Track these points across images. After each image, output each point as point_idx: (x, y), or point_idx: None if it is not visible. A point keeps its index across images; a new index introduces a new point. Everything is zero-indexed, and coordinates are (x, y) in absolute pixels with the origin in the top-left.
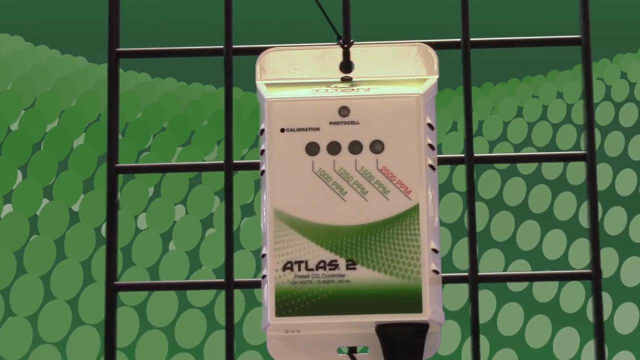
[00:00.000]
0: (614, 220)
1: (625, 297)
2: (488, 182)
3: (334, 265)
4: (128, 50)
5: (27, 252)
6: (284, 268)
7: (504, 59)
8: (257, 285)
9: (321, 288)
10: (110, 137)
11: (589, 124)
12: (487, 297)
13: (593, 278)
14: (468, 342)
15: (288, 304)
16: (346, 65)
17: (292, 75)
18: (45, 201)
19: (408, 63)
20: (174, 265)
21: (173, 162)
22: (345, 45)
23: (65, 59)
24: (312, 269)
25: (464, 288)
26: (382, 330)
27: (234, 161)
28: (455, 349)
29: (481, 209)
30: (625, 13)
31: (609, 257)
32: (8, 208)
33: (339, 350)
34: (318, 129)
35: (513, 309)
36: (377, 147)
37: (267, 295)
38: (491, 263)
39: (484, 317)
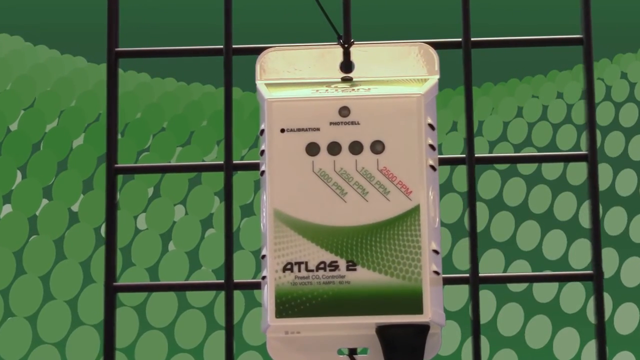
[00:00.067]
0: (614, 221)
1: (626, 297)
2: (488, 183)
3: (334, 266)
4: (127, 50)
5: (26, 252)
6: (284, 269)
7: (504, 59)
8: (257, 286)
9: (321, 289)
10: (109, 138)
11: (591, 124)
12: (487, 298)
13: (595, 279)
14: (468, 343)
15: (288, 305)
16: (346, 65)
17: (292, 75)
18: (44, 201)
19: (409, 63)
20: (173, 266)
21: (172, 163)
22: (346, 45)
23: (65, 59)
24: (312, 270)
25: (464, 288)
26: (383, 331)
27: (234, 161)
28: (455, 349)
29: (481, 209)
30: (625, 13)
31: (609, 258)
32: (7, 208)
33: (339, 352)
34: (318, 129)
35: (513, 310)
36: (377, 147)
37: (267, 296)
38: (491, 263)
39: (484, 318)
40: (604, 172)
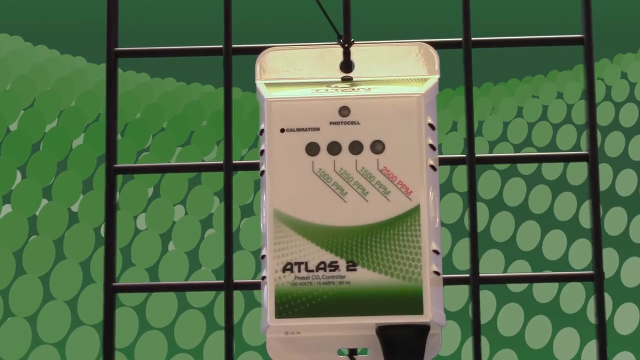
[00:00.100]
0: (614, 221)
1: (626, 297)
2: (488, 183)
3: (334, 266)
4: (127, 50)
5: (26, 252)
6: (284, 269)
7: (504, 59)
8: (257, 286)
9: (321, 289)
10: (108, 137)
11: (591, 124)
12: (487, 298)
13: (595, 279)
14: (468, 343)
15: (288, 306)
16: (346, 65)
17: (292, 75)
18: (44, 201)
19: (409, 63)
20: (173, 266)
21: (172, 163)
22: (346, 45)
23: (65, 59)
24: (312, 270)
25: (464, 288)
26: (383, 332)
27: (234, 161)
28: (455, 350)
29: (481, 210)
30: (625, 13)
31: (609, 258)
32: (7, 208)
33: (339, 352)
34: (318, 129)
35: (513, 310)
36: (377, 147)
37: (267, 296)
38: (491, 263)
39: (484, 318)
40: (604, 172)
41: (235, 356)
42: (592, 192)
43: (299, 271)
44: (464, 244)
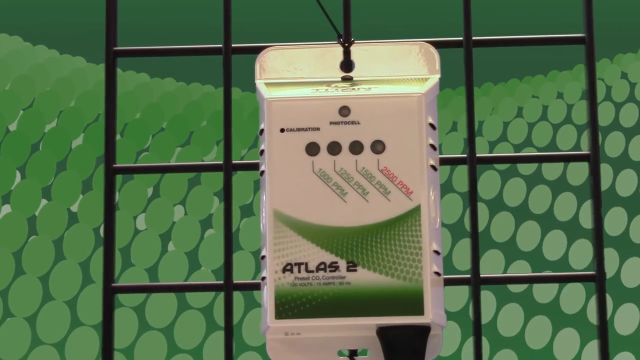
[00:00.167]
0: (614, 221)
1: (626, 298)
2: (488, 183)
3: (334, 267)
4: (126, 49)
5: (25, 252)
6: (284, 270)
7: (504, 59)
8: (257, 287)
9: (321, 290)
10: (107, 137)
11: (593, 123)
12: (487, 298)
13: (597, 280)
14: (468, 343)
15: (288, 306)
16: (347, 65)
17: (292, 74)
18: (44, 202)
19: (409, 62)
20: (173, 266)
21: (172, 163)
22: (346, 44)
23: (64, 59)
24: (312, 271)
25: (464, 289)
26: (383, 332)
27: (233, 161)
28: (455, 350)
29: (481, 210)
30: (625, 13)
31: (609, 258)
32: (7, 208)
33: (340, 353)
34: (318, 129)
35: (513, 310)
36: (378, 147)
37: (267, 297)
38: (491, 264)
39: (484, 318)
40: (605, 172)
41: (235, 357)
42: (594, 192)
43: (299, 272)
44: (464, 244)
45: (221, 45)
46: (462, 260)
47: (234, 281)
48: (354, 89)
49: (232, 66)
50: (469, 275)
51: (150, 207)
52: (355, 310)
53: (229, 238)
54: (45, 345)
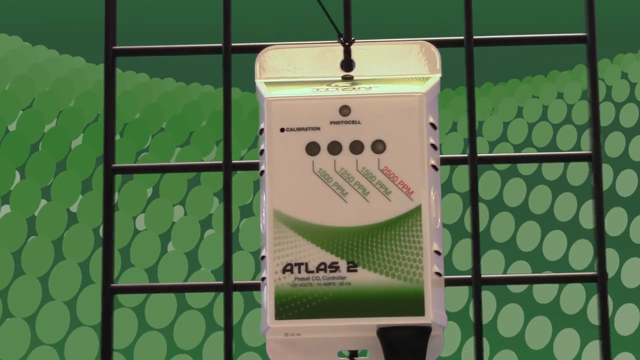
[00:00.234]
0: (614, 221)
1: (626, 298)
2: (488, 183)
3: (334, 267)
4: (125, 48)
5: (25, 253)
6: (284, 270)
7: (504, 59)
8: (257, 287)
9: (322, 290)
10: (107, 137)
11: (594, 122)
12: (487, 298)
13: (599, 280)
14: (468, 344)
15: (288, 307)
16: (347, 64)
17: (292, 73)
18: (43, 202)
19: (410, 61)
20: (172, 267)
21: (171, 163)
22: (346, 43)
23: (64, 59)
24: (312, 271)
25: (464, 289)
26: (384, 333)
27: (233, 161)
28: (455, 350)
29: (481, 210)
30: (625, 13)
31: (609, 258)
32: (6, 209)
33: (340, 354)
34: (318, 128)
35: (513, 310)
36: (378, 147)
37: (267, 297)
38: (491, 264)
39: (484, 318)
40: (605, 172)
41: (235, 357)
42: (596, 192)
43: (299, 272)
44: (464, 244)
45: (221, 45)
46: (463, 260)
47: (234, 281)
48: (354, 88)
49: (232, 66)
50: (469, 276)
51: (149, 208)
52: (356, 310)
53: (229, 238)
54: (44, 346)
